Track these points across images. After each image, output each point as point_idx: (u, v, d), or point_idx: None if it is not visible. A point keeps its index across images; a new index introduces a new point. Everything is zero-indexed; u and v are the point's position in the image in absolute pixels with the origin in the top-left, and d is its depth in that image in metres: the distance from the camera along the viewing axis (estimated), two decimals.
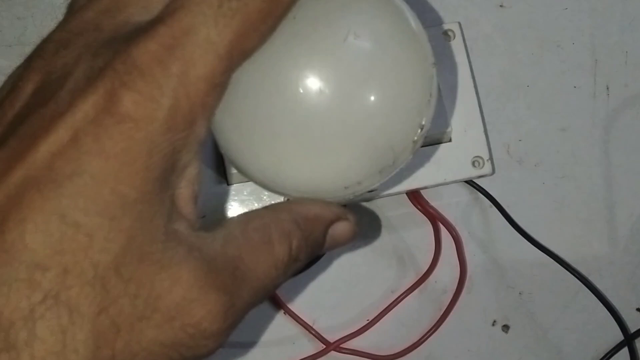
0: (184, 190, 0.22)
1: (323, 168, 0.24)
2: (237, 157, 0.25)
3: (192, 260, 0.21)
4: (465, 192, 0.37)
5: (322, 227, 0.26)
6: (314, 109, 0.23)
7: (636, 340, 0.36)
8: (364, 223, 0.37)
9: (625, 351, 0.36)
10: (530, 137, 0.38)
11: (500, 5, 0.38)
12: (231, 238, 0.23)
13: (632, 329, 0.36)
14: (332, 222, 0.26)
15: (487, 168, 0.33)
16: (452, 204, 0.37)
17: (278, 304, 0.35)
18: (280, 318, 0.36)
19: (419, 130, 0.24)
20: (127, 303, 0.20)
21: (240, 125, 0.23)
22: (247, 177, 0.25)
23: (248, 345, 0.36)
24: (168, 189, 0.21)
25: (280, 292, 0.35)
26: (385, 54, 0.23)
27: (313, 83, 0.22)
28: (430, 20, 0.37)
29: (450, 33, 0.34)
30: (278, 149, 0.24)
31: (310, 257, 0.25)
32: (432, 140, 0.33)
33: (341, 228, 0.26)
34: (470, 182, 0.35)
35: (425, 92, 0.24)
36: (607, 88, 0.38)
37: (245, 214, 0.24)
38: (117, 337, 0.20)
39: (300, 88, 0.23)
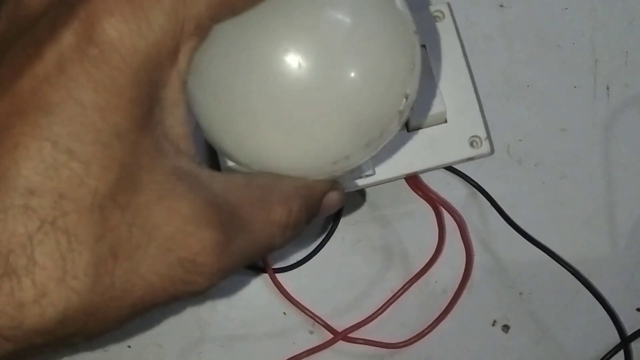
0: (178, 129, 0.22)
1: (308, 144, 0.23)
2: (219, 136, 0.24)
3: (192, 194, 0.22)
4: (465, 192, 0.37)
5: (319, 195, 0.26)
6: (294, 83, 0.22)
7: (636, 341, 0.36)
8: (367, 215, 0.37)
9: (622, 354, 0.36)
10: (530, 137, 0.38)
11: (500, 5, 0.38)
12: (233, 186, 0.23)
13: (633, 329, 0.36)
14: (327, 191, 0.27)
15: (485, 147, 0.33)
16: (452, 204, 0.37)
17: (285, 295, 0.35)
18: (287, 309, 0.36)
19: (404, 100, 0.24)
20: (125, 231, 0.20)
21: (221, 104, 0.23)
22: (232, 158, 0.25)
23: (256, 336, 0.36)
24: (158, 124, 0.21)
25: (287, 284, 0.35)
26: (365, 23, 0.23)
27: (292, 56, 0.22)
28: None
29: (439, 14, 0.33)
30: (261, 127, 0.23)
31: (307, 223, 0.26)
32: (428, 123, 0.32)
33: (332, 197, 0.27)
34: (469, 181, 0.35)
35: (407, 60, 0.24)
36: (607, 88, 0.38)
37: (248, 173, 0.25)
38: (115, 265, 0.20)
39: (279, 62, 0.22)
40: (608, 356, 0.36)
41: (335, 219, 0.36)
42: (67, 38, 0.19)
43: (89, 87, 0.19)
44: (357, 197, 0.37)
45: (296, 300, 0.35)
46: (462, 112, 0.33)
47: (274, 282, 0.35)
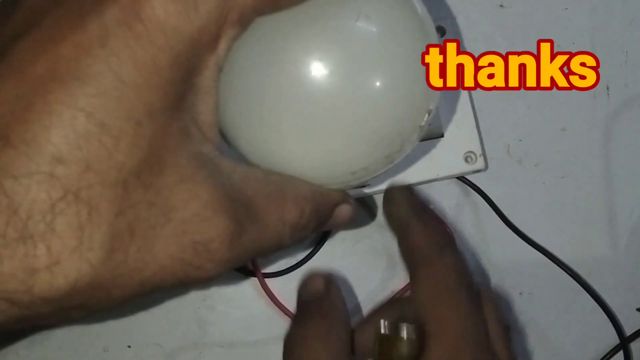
0: (207, 117, 0.22)
1: (330, 153, 0.24)
2: (242, 141, 0.24)
3: (212, 181, 0.22)
4: (464, 193, 0.37)
5: (332, 204, 0.26)
6: (323, 90, 0.22)
7: (636, 341, 0.36)
8: (360, 222, 0.37)
9: (621, 354, 0.36)
10: (530, 137, 0.38)
11: (500, 5, 0.38)
12: (251, 179, 0.23)
13: (633, 329, 0.36)
14: (339, 203, 0.27)
15: (479, 163, 0.33)
16: (452, 204, 0.37)
17: (274, 301, 0.35)
18: (278, 317, 0.36)
19: (426, 115, 0.24)
20: (144, 209, 0.20)
21: (247, 108, 0.23)
22: (246, 156, 0.25)
23: (255, 337, 0.36)
24: (189, 109, 0.22)
25: (278, 292, 0.35)
26: (394, 37, 0.23)
27: (323, 65, 0.22)
28: None
29: (442, 29, 0.34)
30: (285, 133, 0.23)
31: (315, 229, 0.26)
32: (424, 136, 0.32)
33: (344, 210, 0.27)
34: (467, 182, 0.35)
35: None
36: (607, 88, 0.38)
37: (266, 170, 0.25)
38: (131, 242, 0.20)
39: (310, 68, 0.22)
40: (607, 357, 0.36)
41: (321, 240, 0.36)
42: (114, 11, 0.19)
43: (129, 63, 0.19)
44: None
45: (286, 308, 0.35)
46: (458, 127, 0.33)
47: (263, 287, 0.35)
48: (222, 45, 0.22)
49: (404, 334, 0.26)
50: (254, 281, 0.36)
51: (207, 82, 0.22)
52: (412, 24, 0.24)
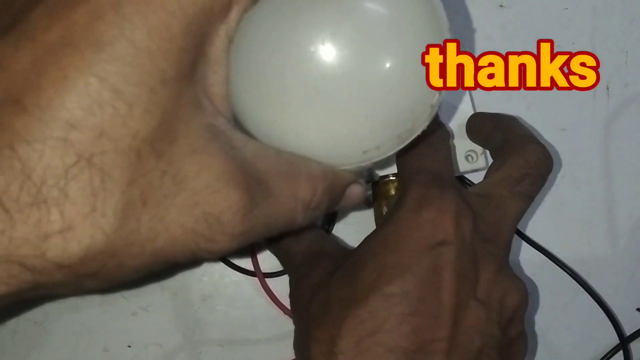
0: (218, 88, 0.22)
1: (342, 131, 0.24)
2: (253, 121, 0.24)
3: (224, 154, 0.22)
4: None
5: (344, 184, 0.27)
6: (333, 70, 0.22)
7: (636, 341, 0.36)
8: (366, 217, 0.37)
9: (621, 354, 0.36)
10: None
11: (500, 5, 0.38)
12: (264, 154, 0.23)
13: (633, 329, 0.36)
14: (350, 183, 0.27)
15: (480, 162, 0.33)
16: None
17: (276, 304, 0.35)
18: (278, 317, 0.36)
19: (437, 95, 0.24)
20: (157, 178, 0.20)
21: (258, 88, 0.23)
22: (257, 135, 0.25)
23: (255, 337, 0.36)
24: (201, 79, 0.22)
25: (278, 292, 0.35)
26: (405, 16, 0.23)
27: (333, 42, 0.22)
28: None
29: None
30: (296, 108, 0.23)
31: (328, 209, 0.26)
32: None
33: (356, 190, 0.27)
34: (468, 181, 0.35)
35: None
36: (607, 88, 0.38)
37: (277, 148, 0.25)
38: (143, 210, 0.20)
39: (320, 48, 0.22)
40: (607, 356, 0.36)
41: (330, 222, 0.36)
42: None
43: (143, 29, 0.19)
44: None
45: (286, 308, 0.35)
46: (459, 126, 0.33)
47: (263, 287, 0.35)
48: (233, 15, 0.22)
49: (388, 179, 0.32)
50: (254, 281, 0.36)
51: (218, 53, 0.22)
52: (423, 3, 0.24)
